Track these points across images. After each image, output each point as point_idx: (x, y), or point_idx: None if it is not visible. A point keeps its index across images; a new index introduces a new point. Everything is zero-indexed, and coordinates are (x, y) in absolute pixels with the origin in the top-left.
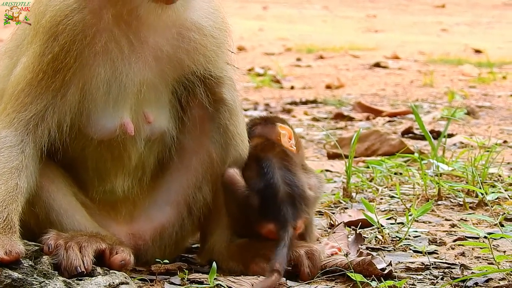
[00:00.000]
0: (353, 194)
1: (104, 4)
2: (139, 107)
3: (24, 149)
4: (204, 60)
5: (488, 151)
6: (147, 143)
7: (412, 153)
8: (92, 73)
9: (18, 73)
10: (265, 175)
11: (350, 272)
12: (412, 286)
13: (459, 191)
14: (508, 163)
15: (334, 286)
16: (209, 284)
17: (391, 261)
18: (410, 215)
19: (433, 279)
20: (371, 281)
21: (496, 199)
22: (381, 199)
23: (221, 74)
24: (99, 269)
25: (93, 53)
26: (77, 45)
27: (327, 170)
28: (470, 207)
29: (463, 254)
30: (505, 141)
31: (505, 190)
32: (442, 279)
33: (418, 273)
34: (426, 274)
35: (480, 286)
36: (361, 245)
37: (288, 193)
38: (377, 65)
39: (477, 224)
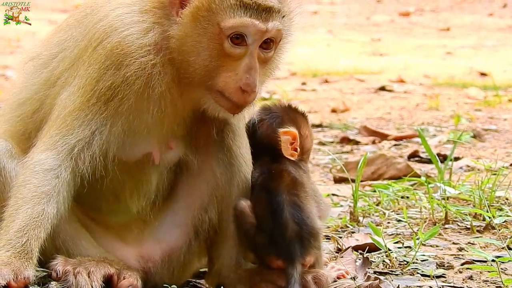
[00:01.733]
0: (360, 218)
1: (176, 67)
2: (166, 137)
3: (60, 174)
4: None
5: (495, 174)
6: (166, 168)
7: (419, 176)
8: (144, 109)
9: (66, 97)
10: (274, 214)
11: None
12: None
13: (466, 215)
14: None
15: None
16: None
17: (399, 285)
18: (418, 238)
19: None
20: None
21: (503, 222)
22: (388, 223)
23: None
24: None
25: (150, 93)
26: (140, 82)
27: (333, 194)
28: (478, 231)
29: (471, 277)
30: (511, 164)
31: None
32: None
33: None
34: None
35: None
36: (369, 269)
37: (297, 231)
38: (382, 88)
39: (484, 248)
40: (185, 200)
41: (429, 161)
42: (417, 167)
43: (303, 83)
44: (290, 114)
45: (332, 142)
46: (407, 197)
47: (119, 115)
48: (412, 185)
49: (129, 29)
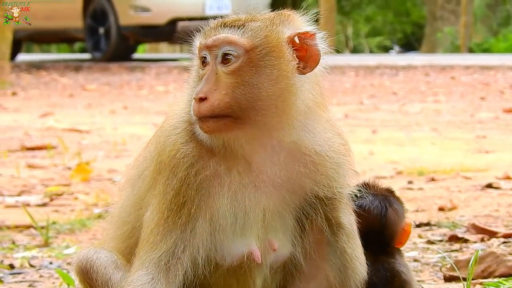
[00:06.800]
0: None
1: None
2: (265, 235)
3: (155, 286)
4: (326, 180)
5: None
6: (271, 270)
7: None
8: (216, 204)
9: (148, 217)
10: None
11: None
12: None
13: None
14: None
15: None
16: None
17: None
18: None
19: None
20: None
21: None
22: None
23: (341, 196)
24: None
25: (210, 184)
26: (194, 177)
27: None
28: None
29: None
30: None
31: None
32: None
33: None
34: None
35: None
36: None
37: None
38: (489, 186)
39: None
40: None
41: None
42: None
43: (410, 182)
44: (399, 200)
45: (441, 241)
46: None
47: (195, 219)
48: None
49: (178, 133)
